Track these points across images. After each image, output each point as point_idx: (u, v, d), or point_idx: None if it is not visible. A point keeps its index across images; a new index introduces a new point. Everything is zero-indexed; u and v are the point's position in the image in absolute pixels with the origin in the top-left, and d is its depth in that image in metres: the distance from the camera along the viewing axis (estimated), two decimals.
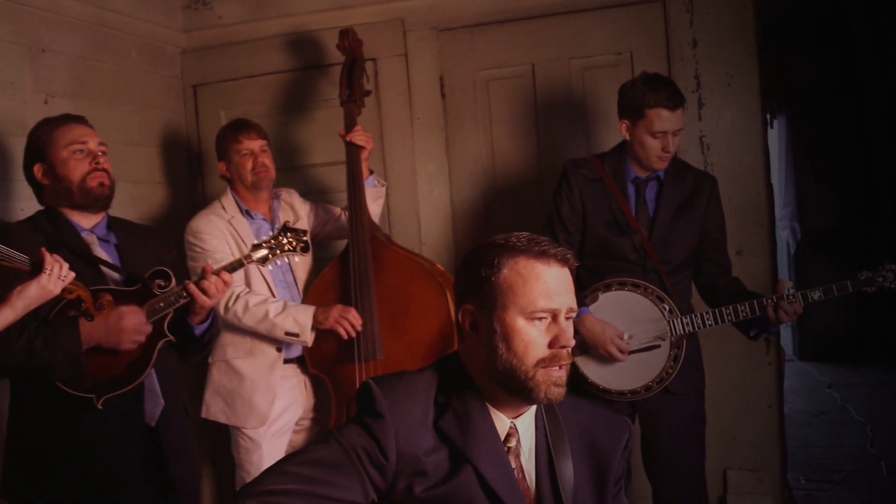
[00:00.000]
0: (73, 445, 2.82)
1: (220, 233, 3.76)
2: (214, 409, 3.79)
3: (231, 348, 3.77)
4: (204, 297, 2.91)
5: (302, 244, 3.01)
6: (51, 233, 2.93)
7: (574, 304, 1.87)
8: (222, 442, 3.87)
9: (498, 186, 4.45)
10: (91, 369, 2.79)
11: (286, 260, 3.01)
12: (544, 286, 1.83)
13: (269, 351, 3.78)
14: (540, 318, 1.84)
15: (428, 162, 4.47)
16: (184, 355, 3.18)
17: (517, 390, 1.84)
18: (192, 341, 3.06)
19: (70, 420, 2.82)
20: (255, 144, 3.84)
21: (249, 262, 2.97)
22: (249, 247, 3.01)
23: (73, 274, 2.42)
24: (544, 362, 1.83)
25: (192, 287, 2.89)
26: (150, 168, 4.52)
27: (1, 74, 3.59)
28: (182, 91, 4.76)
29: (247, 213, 3.85)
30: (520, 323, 1.83)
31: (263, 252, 2.98)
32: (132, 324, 2.82)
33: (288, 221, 3.14)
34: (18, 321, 2.54)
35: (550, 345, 1.84)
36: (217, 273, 2.92)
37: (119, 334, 2.81)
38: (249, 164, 3.82)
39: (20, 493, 2.88)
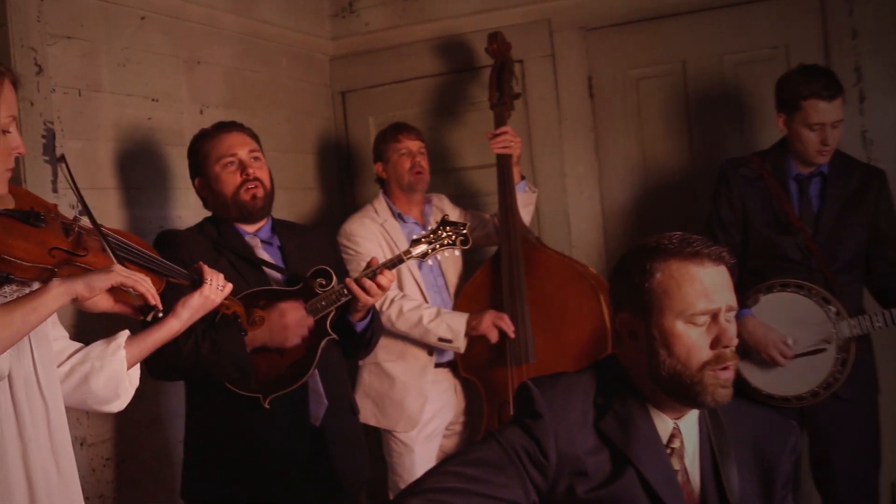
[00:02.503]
0: (244, 445, 2.88)
1: (374, 236, 3.81)
2: (365, 411, 3.79)
3: (382, 351, 3.79)
4: (365, 295, 2.91)
5: (462, 237, 2.99)
6: (216, 238, 3.00)
7: (733, 302, 1.83)
8: (373, 444, 3.90)
9: (649, 188, 4.38)
10: (258, 369, 2.84)
11: (445, 255, 3.00)
12: (700, 287, 1.80)
13: (421, 354, 3.82)
14: (699, 320, 1.81)
15: (577, 164, 4.43)
16: (348, 353, 3.18)
17: (683, 395, 1.83)
18: (354, 339, 3.07)
19: (241, 420, 2.87)
20: (414, 145, 3.91)
21: (409, 257, 2.97)
22: (404, 247, 3.03)
23: (230, 286, 2.46)
24: (709, 364, 1.80)
25: (353, 285, 2.90)
26: (303, 174, 4.61)
27: (159, 86, 3.72)
28: (331, 98, 4.84)
29: (399, 217, 3.90)
30: (679, 327, 1.81)
31: (423, 247, 2.99)
32: (294, 318, 2.84)
33: (447, 215, 3.11)
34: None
35: (713, 345, 1.80)
36: (378, 271, 2.92)
37: (283, 331, 2.83)
38: (407, 165, 3.87)
39: (198, 494, 2.97)
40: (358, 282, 2.91)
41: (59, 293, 1.92)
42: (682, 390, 1.81)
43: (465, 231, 3.00)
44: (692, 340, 1.80)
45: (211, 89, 4.01)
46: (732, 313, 1.84)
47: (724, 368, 1.81)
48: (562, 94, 4.44)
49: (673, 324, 1.80)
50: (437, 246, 2.99)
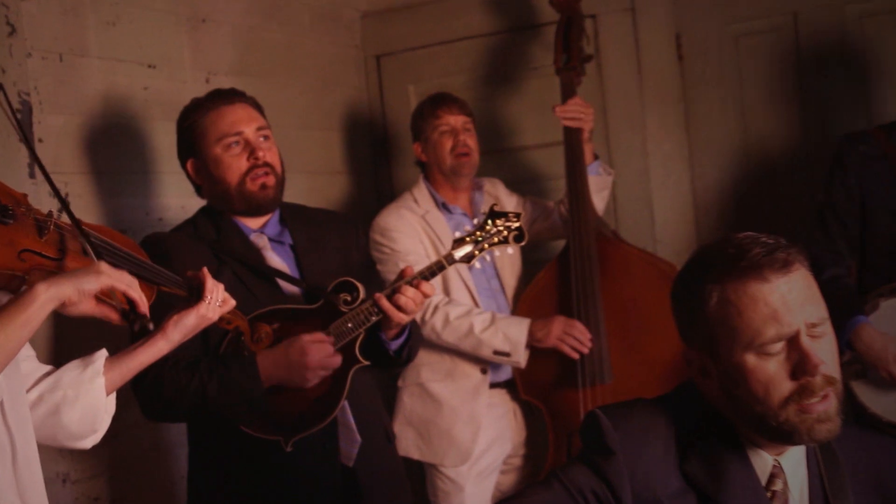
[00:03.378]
0: (263, 489, 2.87)
1: (413, 230, 3.82)
2: (406, 442, 3.82)
3: (426, 369, 3.79)
4: (399, 314, 2.86)
5: (515, 232, 2.95)
6: (215, 240, 2.98)
7: (819, 313, 1.75)
8: (416, 481, 3.95)
9: (751, 169, 4.31)
10: (275, 408, 2.82)
11: (496, 254, 2.96)
12: (765, 309, 1.73)
13: (473, 373, 3.81)
14: (773, 349, 1.74)
15: (663, 140, 4.38)
16: (380, 370, 3.18)
17: (774, 435, 1.76)
18: (387, 360, 3.04)
19: (256, 464, 2.86)
20: (458, 120, 3.88)
21: (451, 262, 2.94)
22: (450, 243, 2.99)
23: (232, 302, 2.42)
24: (794, 398, 1.73)
25: (385, 302, 2.86)
26: (328, 155, 4.61)
27: (156, 50, 3.73)
28: (363, 63, 4.86)
29: (443, 207, 3.91)
30: (750, 361, 1.75)
31: (467, 248, 2.95)
32: (317, 358, 2.81)
33: (495, 204, 3.08)
34: (188, 357, 2.69)
35: (794, 376, 1.73)
36: (413, 283, 2.87)
37: (303, 372, 2.81)
38: (449, 144, 3.86)
39: None
40: (390, 297, 2.87)
41: (48, 298, 1.90)
42: (769, 431, 1.75)
43: (518, 223, 2.96)
44: (769, 374, 1.73)
45: (218, 53, 4.00)
46: (821, 327, 1.76)
47: (820, 399, 1.72)
48: (644, 55, 4.39)
49: (741, 357, 1.75)
50: (486, 245, 2.95)
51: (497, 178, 4.17)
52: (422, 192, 3.93)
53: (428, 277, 2.91)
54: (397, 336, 3.02)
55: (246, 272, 2.93)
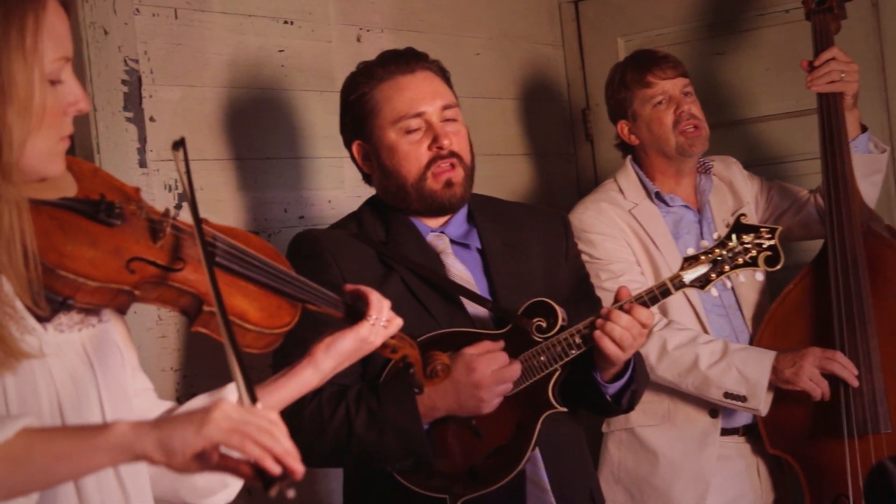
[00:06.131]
0: None
1: (618, 230, 3.79)
2: None
3: (638, 410, 3.55)
4: (615, 349, 2.81)
5: (767, 253, 2.91)
6: (384, 242, 3.00)
7: None
8: None
9: None
10: (442, 455, 2.82)
11: (741, 279, 2.98)
12: None
13: (699, 416, 3.77)
14: None
15: None
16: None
17: None
18: (603, 406, 3.03)
19: None
20: (674, 85, 3.84)
21: (680, 287, 2.91)
22: (680, 261, 2.95)
23: (399, 321, 2.38)
24: None
25: (597, 332, 2.82)
26: (510, 131, 4.62)
27: (295, 2, 3.80)
28: (557, 10, 4.87)
29: (658, 198, 3.88)
30: None
31: (701, 269, 2.92)
32: (489, 372, 2.78)
33: (742, 214, 3.02)
34: (340, 385, 2.70)
35: None
36: (626, 306, 2.84)
37: (475, 392, 2.78)
38: (670, 118, 3.81)
39: None
40: (602, 326, 2.82)
41: (118, 447, 1.77)
42: None
43: (772, 241, 2.93)
44: None
45: (372, 3, 4.06)
46: None
47: None
48: None
49: None
50: (726, 267, 2.92)
51: (731, 157, 4.13)
52: (629, 178, 3.92)
53: (647, 304, 2.88)
54: (617, 377, 2.98)
55: (419, 283, 2.94)
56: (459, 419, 2.81)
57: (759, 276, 3.13)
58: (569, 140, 4.84)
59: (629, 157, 3.94)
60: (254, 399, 1.85)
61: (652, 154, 3.86)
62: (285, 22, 3.72)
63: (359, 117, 3.04)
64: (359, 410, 2.74)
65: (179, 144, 2.01)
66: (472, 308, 2.98)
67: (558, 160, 4.77)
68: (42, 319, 1.94)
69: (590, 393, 2.97)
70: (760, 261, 2.90)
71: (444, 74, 3.08)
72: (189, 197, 2.00)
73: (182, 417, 1.80)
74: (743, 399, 3.58)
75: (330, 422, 2.74)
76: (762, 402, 3.58)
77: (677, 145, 3.79)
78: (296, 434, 2.45)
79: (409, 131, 2.96)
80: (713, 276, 2.90)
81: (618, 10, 4.75)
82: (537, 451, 2.88)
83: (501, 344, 2.84)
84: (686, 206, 3.88)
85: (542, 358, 2.85)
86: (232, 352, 1.88)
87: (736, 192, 3.95)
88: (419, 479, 2.80)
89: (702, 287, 2.91)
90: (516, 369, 2.82)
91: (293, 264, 2.58)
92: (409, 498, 2.81)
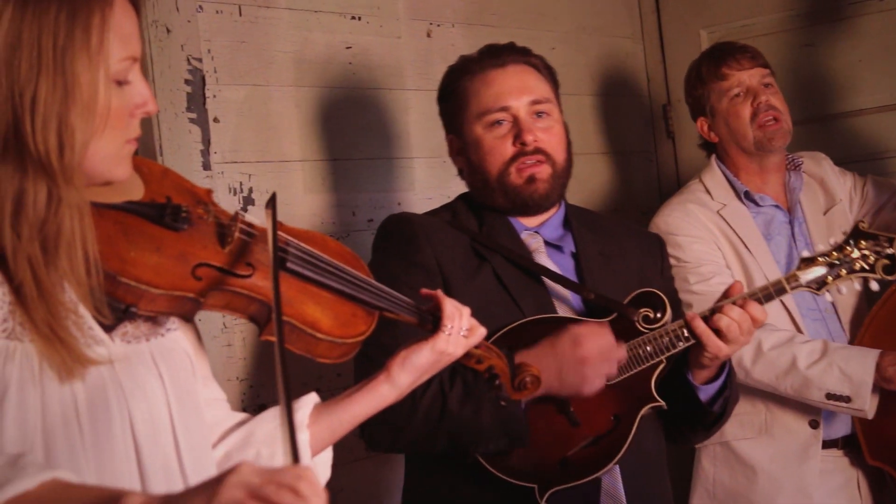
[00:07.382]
0: None
1: (707, 233, 3.78)
2: None
3: (733, 422, 3.54)
4: (717, 343, 2.80)
5: (885, 261, 2.93)
6: (477, 231, 3.01)
7: None
8: None
9: None
10: (533, 442, 2.79)
11: (856, 287, 2.94)
12: None
13: (799, 426, 3.72)
14: None
15: None
16: (677, 433, 3.14)
17: None
18: (693, 411, 3.00)
19: None
20: (752, 76, 3.81)
21: (795, 287, 2.92)
22: (772, 264, 3.04)
23: (482, 331, 2.33)
24: None
25: (700, 325, 2.81)
26: (587, 129, 4.60)
27: None
28: (636, 1, 4.90)
29: (748, 198, 3.84)
30: None
31: (818, 272, 2.93)
32: (596, 347, 2.76)
33: (861, 221, 3.05)
34: None
35: None
36: (739, 302, 2.81)
37: (579, 368, 2.75)
38: (747, 111, 3.78)
39: None
40: (707, 319, 2.82)
41: None
42: None
43: (892, 249, 2.95)
44: None
45: None
46: None
47: None
48: None
49: None
50: (843, 271, 2.94)
51: (821, 153, 4.08)
52: (715, 178, 3.89)
53: (762, 301, 2.87)
54: (711, 380, 2.97)
55: (512, 276, 2.94)
56: (557, 404, 2.79)
57: (875, 286, 3.04)
58: (649, 138, 4.85)
59: (713, 155, 3.93)
60: (296, 458, 1.66)
61: (732, 151, 3.85)
62: (353, 17, 3.74)
63: (451, 111, 3.10)
64: (454, 385, 2.73)
65: (270, 202, 2.00)
66: (562, 308, 2.97)
67: (638, 159, 4.78)
68: (107, 328, 1.93)
69: (681, 398, 2.95)
70: (878, 268, 2.92)
71: (545, 70, 3.08)
72: (272, 253, 1.95)
73: (196, 489, 1.64)
74: (847, 399, 3.52)
75: (422, 398, 2.72)
76: (867, 403, 3.51)
77: (755, 140, 3.77)
78: (383, 414, 2.41)
79: (493, 125, 2.98)
80: (829, 279, 2.92)
81: (700, 1, 4.74)
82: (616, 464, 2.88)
83: (608, 325, 2.84)
84: (776, 206, 3.85)
85: (647, 348, 2.86)
86: (283, 393, 1.72)
87: (828, 189, 3.91)
88: (506, 466, 2.78)
89: (818, 289, 2.93)
90: (623, 352, 2.83)
91: (383, 245, 2.82)
92: (491, 486, 2.79)
